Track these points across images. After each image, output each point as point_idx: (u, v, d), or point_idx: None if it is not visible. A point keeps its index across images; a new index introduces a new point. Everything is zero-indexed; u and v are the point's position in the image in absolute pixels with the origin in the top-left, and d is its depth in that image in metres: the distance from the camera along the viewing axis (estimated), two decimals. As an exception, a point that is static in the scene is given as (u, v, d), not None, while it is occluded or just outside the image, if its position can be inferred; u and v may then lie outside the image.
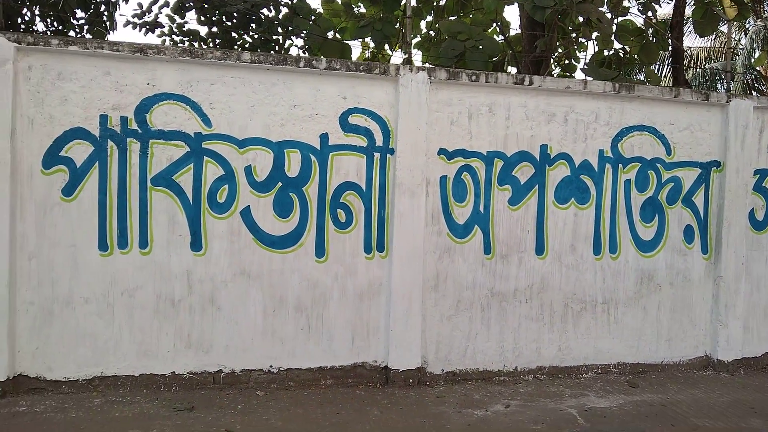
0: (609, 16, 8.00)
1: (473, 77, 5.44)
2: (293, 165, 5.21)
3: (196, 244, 5.05)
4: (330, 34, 8.37)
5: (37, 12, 7.84)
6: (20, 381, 4.82)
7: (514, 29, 9.91)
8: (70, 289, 4.86)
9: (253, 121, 5.11)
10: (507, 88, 5.56)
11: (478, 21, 8.51)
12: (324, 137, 5.25)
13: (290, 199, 5.22)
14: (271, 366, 5.23)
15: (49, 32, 7.72)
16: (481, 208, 5.56)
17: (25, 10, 7.78)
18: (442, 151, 5.45)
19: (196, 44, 8.06)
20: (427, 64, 7.89)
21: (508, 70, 9.34)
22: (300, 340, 5.28)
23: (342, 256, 5.33)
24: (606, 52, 8.67)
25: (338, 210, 5.31)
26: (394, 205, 5.31)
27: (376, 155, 5.35)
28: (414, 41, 9.14)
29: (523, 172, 5.65)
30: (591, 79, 6.52)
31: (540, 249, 5.72)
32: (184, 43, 8.08)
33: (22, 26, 7.64)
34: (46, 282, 4.82)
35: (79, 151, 4.81)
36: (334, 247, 5.31)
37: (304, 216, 5.25)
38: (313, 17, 7.91)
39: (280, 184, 5.19)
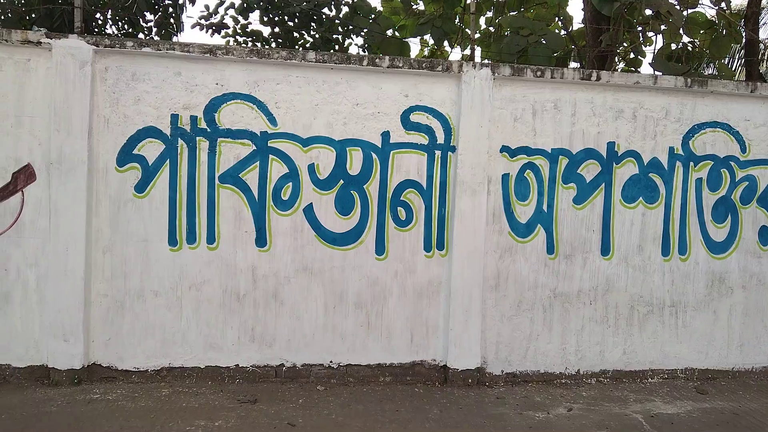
0: (677, 8, 7.69)
1: (538, 73, 5.34)
2: (355, 163, 5.25)
3: (261, 240, 5.15)
4: (389, 32, 8.38)
5: (108, 15, 8.17)
6: (94, 369, 5.05)
7: (577, 23, 9.67)
8: (141, 282, 5.05)
9: (316, 119, 5.17)
10: (573, 84, 5.43)
11: (540, 16, 8.34)
12: (385, 135, 5.26)
13: (351, 196, 5.26)
14: (331, 361, 5.29)
15: (120, 35, 8.02)
16: (545, 207, 5.45)
17: (98, 14, 8.11)
18: (504, 149, 5.37)
19: (258, 45, 8.22)
20: (486, 60, 7.79)
21: (571, 66, 9.12)
22: (359, 337, 5.32)
23: (402, 254, 5.33)
24: (673, 46, 8.34)
25: (398, 208, 5.31)
26: (455, 204, 5.27)
27: (437, 153, 5.33)
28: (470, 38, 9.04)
29: (589, 170, 5.50)
30: (660, 74, 6.29)
31: (606, 249, 5.56)
32: (247, 44, 8.25)
33: (95, 30, 7.96)
34: (118, 275, 5.03)
35: (151, 150, 4.99)
36: (394, 245, 5.32)
37: (365, 213, 5.28)
38: (372, 15, 7.94)
39: (341, 181, 5.24)
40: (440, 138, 5.32)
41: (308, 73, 5.16)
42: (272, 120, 5.13)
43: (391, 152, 5.28)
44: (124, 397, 4.73)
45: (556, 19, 9.03)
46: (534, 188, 5.43)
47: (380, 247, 5.30)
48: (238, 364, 5.19)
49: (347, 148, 5.23)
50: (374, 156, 5.26)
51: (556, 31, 9.00)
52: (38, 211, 4.92)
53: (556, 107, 5.44)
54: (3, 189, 4.88)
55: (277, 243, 5.19)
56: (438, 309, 5.37)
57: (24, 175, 4.90)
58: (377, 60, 5.21)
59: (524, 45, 6.95)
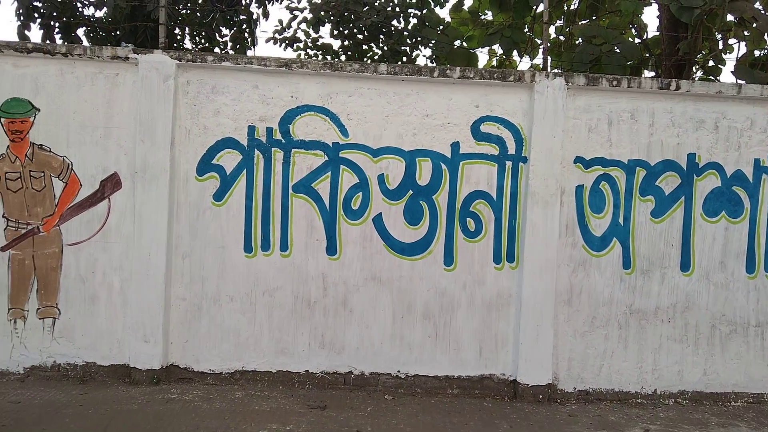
0: (762, 12, 7.33)
1: (614, 82, 5.21)
2: (424, 173, 5.26)
3: (332, 249, 5.24)
4: (457, 43, 8.39)
5: (186, 31, 8.56)
6: (172, 370, 5.24)
7: (652, 31, 9.37)
8: (218, 287, 5.22)
9: (386, 131, 5.23)
10: (651, 93, 5.26)
11: (614, 24, 8.14)
12: (455, 146, 5.26)
13: (420, 207, 5.27)
14: (399, 371, 5.30)
15: (197, 49, 8.39)
16: (621, 220, 5.29)
17: (176, 30, 8.50)
18: (578, 160, 5.26)
19: (329, 57, 8.42)
20: (557, 70, 7.67)
21: (645, 75, 8.84)
22: (427, 348, 5.31)
23: (470, 266, 5.29)
24: (757, 53, 7.95)
25: (468, 219, 5.29)
26: (526, 215, 5.20)
27: (508, 164, 5.27)
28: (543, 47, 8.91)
29: (668, 183, 5.30)
30: (744, 82, 6.00)
31: (685, 265, 5.33)
32: (317, 57, 8.46)
33: (174, 45, 8.36)
34: (196, 280, 5.22)
35: (228, 160, 5.18)
36: (463, 256, 5.29)
37: (434, 224, 5.28)
38: (441, 27, 7.97)
39: (410, 192, 5.26)
40: (511, 148, 5.27)
41: (379, 85, 5.23)
42: (344, 131, 5.22)
43: (461, 163, 5.27)
44: (200, 398, 4.89)
45: (630, 27, 8.79)
46: (609, 200, 5.28)
47: (449, 258, 5.28)
48: (308, 370, 5.27)
49: (417, 159, 5.26)
50: (443, 167, 5.26)
51: (630, 39, 8.75)
52: (123, 218, 5.18)
53: (633, 117, 5.28)
54: (92, 196, 5.17)
55: (347, 252, 5.26)
56: (508, 322, 5.30)
57: (111, 183, 5.18)
58: (448, 71, 5.22)
59: (597, 54, 6.79)
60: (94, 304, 5.20)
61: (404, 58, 8.26)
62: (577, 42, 8.02)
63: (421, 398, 5.18)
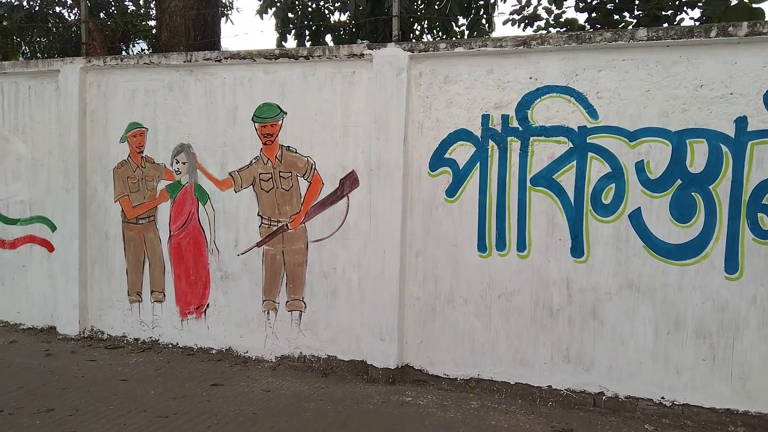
0: None
1: None
2: (697, 158, 4.28)
3: (577, 250, 4.57)
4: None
5: (425, 25, 8.53)
6: (406, 371, 5.11)
7: None
8: (451, 288, 4.93)
9: (647, 108, 4.36)
10: None
11: None
12: (741, 122, 4.17)
13: (692, 199, 4.30)
14: (662, 398, 4.41)
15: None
16: None
17: (415, 25, 8.52)
18: None
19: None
20: None
21: None
22: (701, 373, 4.32)
23: (763, 274, 4.16)
24: None
25: (759, 214, 4.16)
26: None
27: (822, 142, 4.01)
28: None
29: None
30: None
31: None
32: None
33: (413, 40, 8.38)
34: (430, 279, 5.00)
35: (461, 153, 4.84)
36: (752, 262, 4.18)
37: (711, 221, 4.26)
38: (714, -19, 6.61)
39: (679, 181, 4.32)
40: (825, 121, 3.99)
41: (636, 55, 4.38)
42: (592, 113, 4.49)
43: (749, 143, 4.16)
44: (434, 404, 4.65)
45: None
46: None
47: (732, 264, 4.22)
48: (550, 386, 4.69)
49: (687, 141, 4.29)
50: (724, 149, 4.21)
51: None
52: (360, 215, 5.19)
53: None
54: (332, 194, 5.29)
55: (596, 253, 4.53)
56: (820, 350, 4.04)
57: (349, 182, 5.23)
58: (730, 28, 4.14)
59: None
60: (335, 299, 5.32)
61: (665, 25, 7.05)
62: None
63: (692, 434, 4.25)
